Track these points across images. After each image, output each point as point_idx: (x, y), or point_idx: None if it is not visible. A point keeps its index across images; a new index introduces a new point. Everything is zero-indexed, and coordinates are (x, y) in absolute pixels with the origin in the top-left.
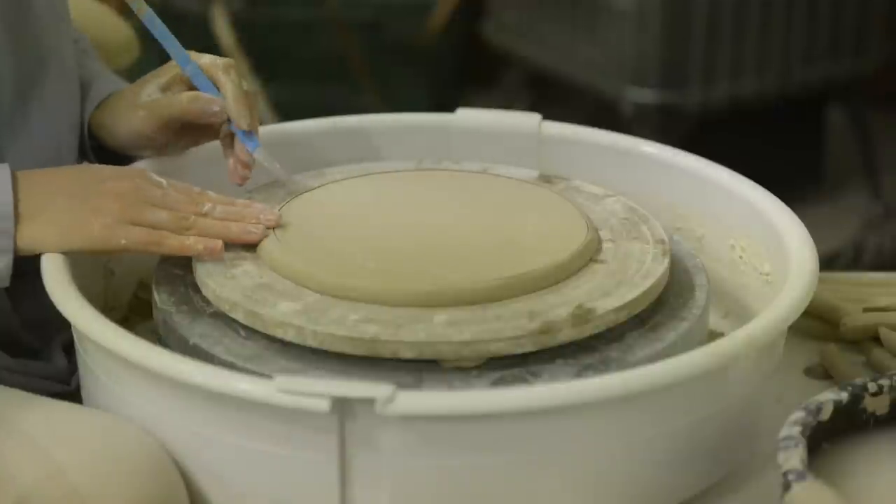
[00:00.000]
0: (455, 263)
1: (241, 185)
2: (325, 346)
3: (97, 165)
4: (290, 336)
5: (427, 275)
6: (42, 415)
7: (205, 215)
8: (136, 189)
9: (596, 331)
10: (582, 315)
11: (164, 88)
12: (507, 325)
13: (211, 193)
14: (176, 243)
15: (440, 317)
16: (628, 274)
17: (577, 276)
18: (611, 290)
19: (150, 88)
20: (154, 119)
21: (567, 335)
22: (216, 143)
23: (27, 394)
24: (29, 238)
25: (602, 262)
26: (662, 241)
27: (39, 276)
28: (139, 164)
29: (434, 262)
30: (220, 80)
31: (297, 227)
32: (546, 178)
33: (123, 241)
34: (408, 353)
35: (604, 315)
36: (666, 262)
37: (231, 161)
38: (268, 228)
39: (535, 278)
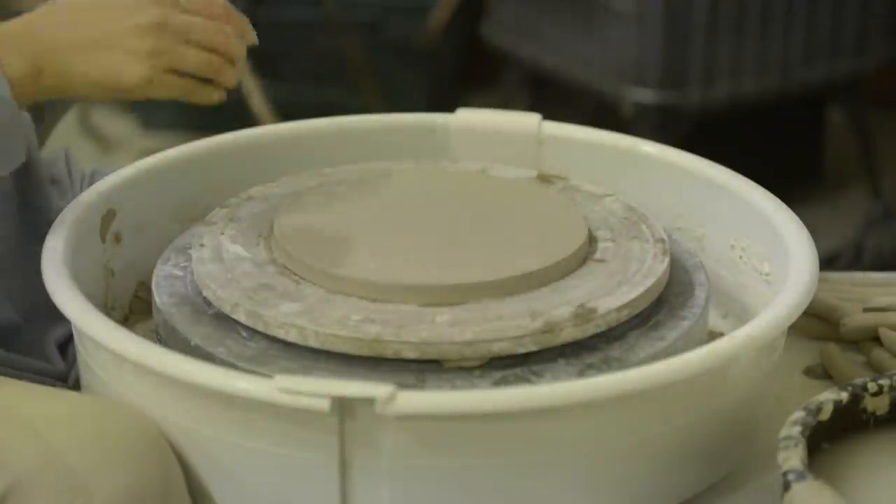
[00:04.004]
0: (454, 263)
1: None
2: (327, 347)
3: None
4: (291, 336)
5: (427, 274)
6: (38, 399)
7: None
8: (156, 23)
9: (597, 330)
10: (584, 314)
11: None
12: (508, 325)
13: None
14: (205, 96)
15: (442, 317)
16: (629, 273)
17: (578, 276)
18: (612, 290)
19: None
20: None
21: (569, 335)
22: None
23: (21, 381)
24: (52, 89)
25: (602, 261)
26: (662, 241)
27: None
28: None
29: (434, 262)
30: None
31: (297, 227)
32: (545, 178)
33: (156, 93)
34: (410, 354)
35: (605, 314)
36: (666, 261)
37: None
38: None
39: (535, 277)
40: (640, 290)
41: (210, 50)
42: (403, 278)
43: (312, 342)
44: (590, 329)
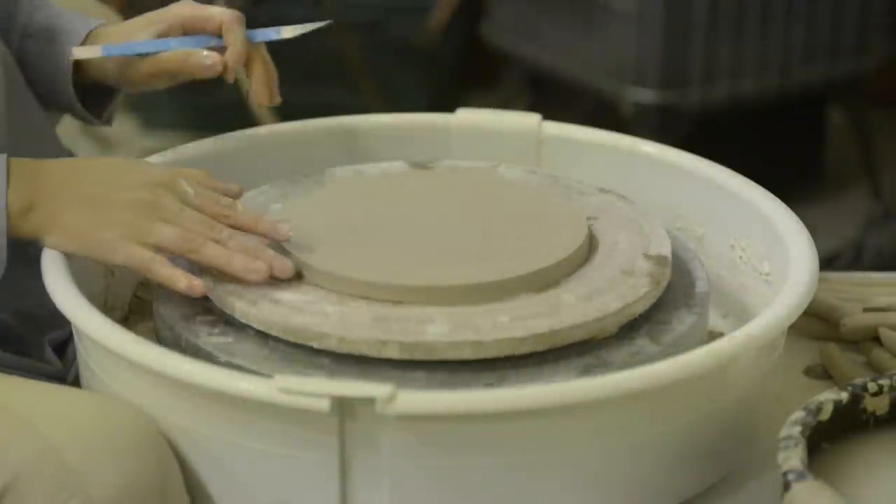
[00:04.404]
0: (478, 258)
1: (271, 104)
2: (506, 353)
3: (129, 164)
4: (466, 354)
5: (505, 267)
6: (33, 394)
7: (216, 241)
8: (152, 203)
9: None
10: (661, 261)
11: (160, 35)
12: (627, 288)
13: (239, 206)
14: (165, 273)
15: (568, 296)
16: (629, 221)
17: (603, 239)
18: (645, 240)
19: (145, 35)
20: (150, 72)
21: (664, 283)
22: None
23: (18, 377)
24: (33, 230)
25: (594, 218)
26: (602, 189)
27: (36, 267)
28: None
29: (466, 260)
30: (232, 31)
31: (301, 229)
32: (419, 164)
33: (120, 260)
34: (579, 336)
35: (668, 258)
36: (629, 203)
37: (253, 84)
38: (272, 277)
39: (581, 253)
40: (664, 232)
41: (214, 239)
42: (455, 278)
43: (490, 352)
44: (666, 276)
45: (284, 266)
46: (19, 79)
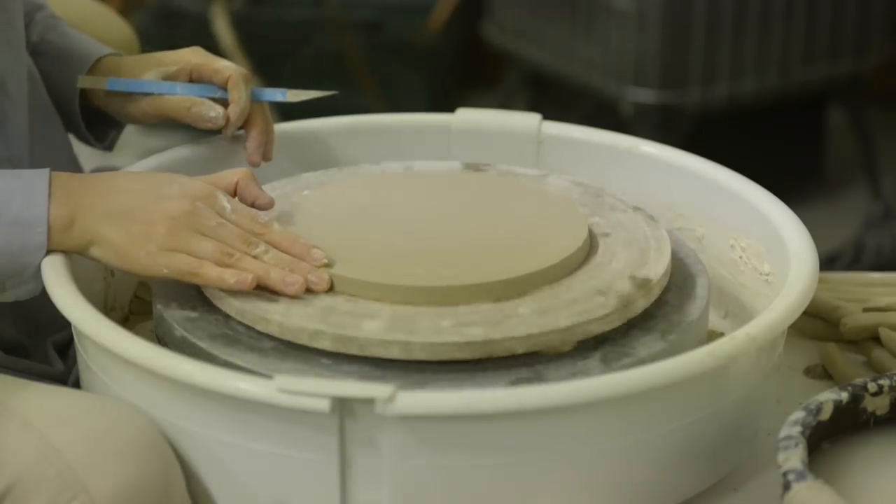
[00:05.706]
0: (489, 259)
1: (263, 162)
2: (437, 357)
3: (168, 177)
4: (394, 353)
5: (484, 271)
6: (35, 397)
7: (253, 256)
8: (191, 214)
9: (654, 298)
10: (644, 284)
11: (167, 78)
12: (591, 306)
13: (275, 226)
14: (214, 274)
15: (525, 308)
16: (638, 240)
17: (601, 255)
18: (644, 261)
19: (152, 75)
20: (150, 112)
21: (640, 305)
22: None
23: (20, 379)
24: (75, 244)
25: (606, 235)
26: (637, 208)
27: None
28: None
29: (467, 260)
30: (237, 88)
31: (306, 230)
32: (473, 167)
33: (165, 271)
34: (520, 349)
35: (658, 281)
36: (659, 225)
37: (248, 142)
38: (308, 291)
39: (574, 259)
40: (667, 255)
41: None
42: (459, 277)
43: (420, 354)
44: (652, 297)
45: (320, 278)
46: (41, 89)
